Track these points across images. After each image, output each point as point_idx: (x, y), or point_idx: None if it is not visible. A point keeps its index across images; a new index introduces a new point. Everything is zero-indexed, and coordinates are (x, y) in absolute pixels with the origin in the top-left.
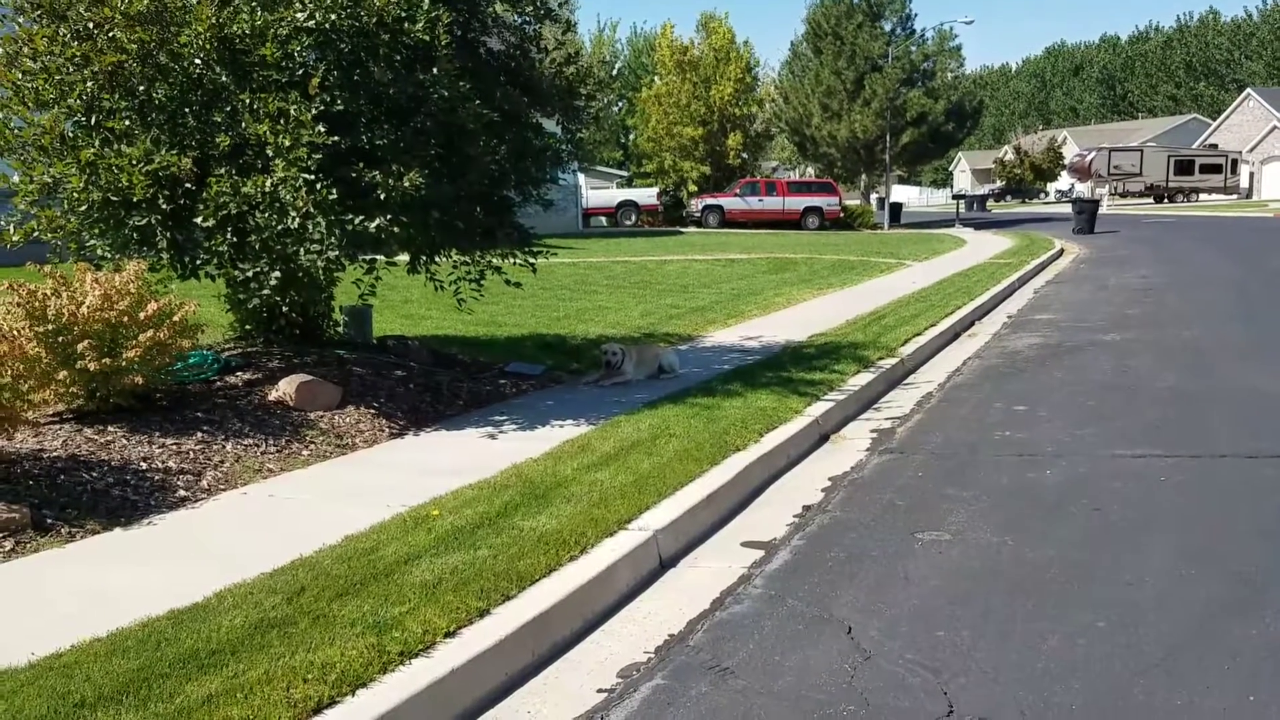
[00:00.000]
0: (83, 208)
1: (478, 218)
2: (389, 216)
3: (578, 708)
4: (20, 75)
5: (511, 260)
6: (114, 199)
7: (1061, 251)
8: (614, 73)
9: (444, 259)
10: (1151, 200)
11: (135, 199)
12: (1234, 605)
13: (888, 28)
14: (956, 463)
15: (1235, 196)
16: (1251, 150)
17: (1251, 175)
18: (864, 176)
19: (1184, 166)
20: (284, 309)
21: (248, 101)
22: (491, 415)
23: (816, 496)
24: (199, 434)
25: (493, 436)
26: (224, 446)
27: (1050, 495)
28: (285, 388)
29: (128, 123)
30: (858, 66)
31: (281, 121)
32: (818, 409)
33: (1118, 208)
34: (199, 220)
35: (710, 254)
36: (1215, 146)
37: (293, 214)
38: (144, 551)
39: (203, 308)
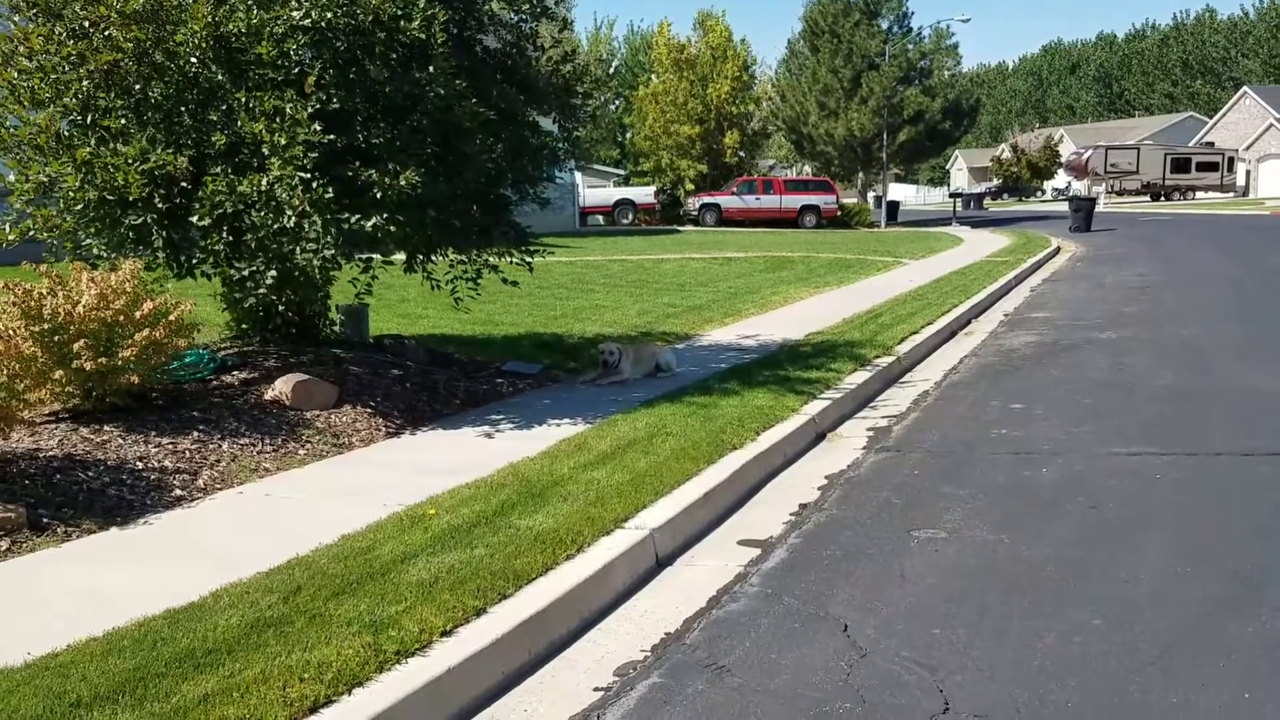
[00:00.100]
0: (78, 207)
1: (474, 216)
2: (385, 215)
3: (574, 706)
4: (16, 74)
5: (508, 259)
6: (110, 198)
7: (1058, 249)
8: (611, 71)
9: (441, 258)
10: (1148, 198)
11: (131, 198)
12: (1230, 603)
13: (885, 26)
14: (953, 461)
15: (1232, 194)
16: (1248, 148)
17: (1248, 173)
18: (861, 175)
19: (1180, 164)
20: (280, 308)
21: (243, 100)
22: (488, 414)
23: (813, 495)
24: (195, 433)
25: (489, 435)
26: (220, 446)
27: (1046, 493)
28: (281, 387)
29: (123, 121)
30: (855, 65)
31: (277, 120)
32: (814, 408)
33: (1114, 206)
34: (195, 219)
35: (707, 252)
36: (1212, 144)
37: (289, 213)
38: (140, 551)
39: (199, 307)
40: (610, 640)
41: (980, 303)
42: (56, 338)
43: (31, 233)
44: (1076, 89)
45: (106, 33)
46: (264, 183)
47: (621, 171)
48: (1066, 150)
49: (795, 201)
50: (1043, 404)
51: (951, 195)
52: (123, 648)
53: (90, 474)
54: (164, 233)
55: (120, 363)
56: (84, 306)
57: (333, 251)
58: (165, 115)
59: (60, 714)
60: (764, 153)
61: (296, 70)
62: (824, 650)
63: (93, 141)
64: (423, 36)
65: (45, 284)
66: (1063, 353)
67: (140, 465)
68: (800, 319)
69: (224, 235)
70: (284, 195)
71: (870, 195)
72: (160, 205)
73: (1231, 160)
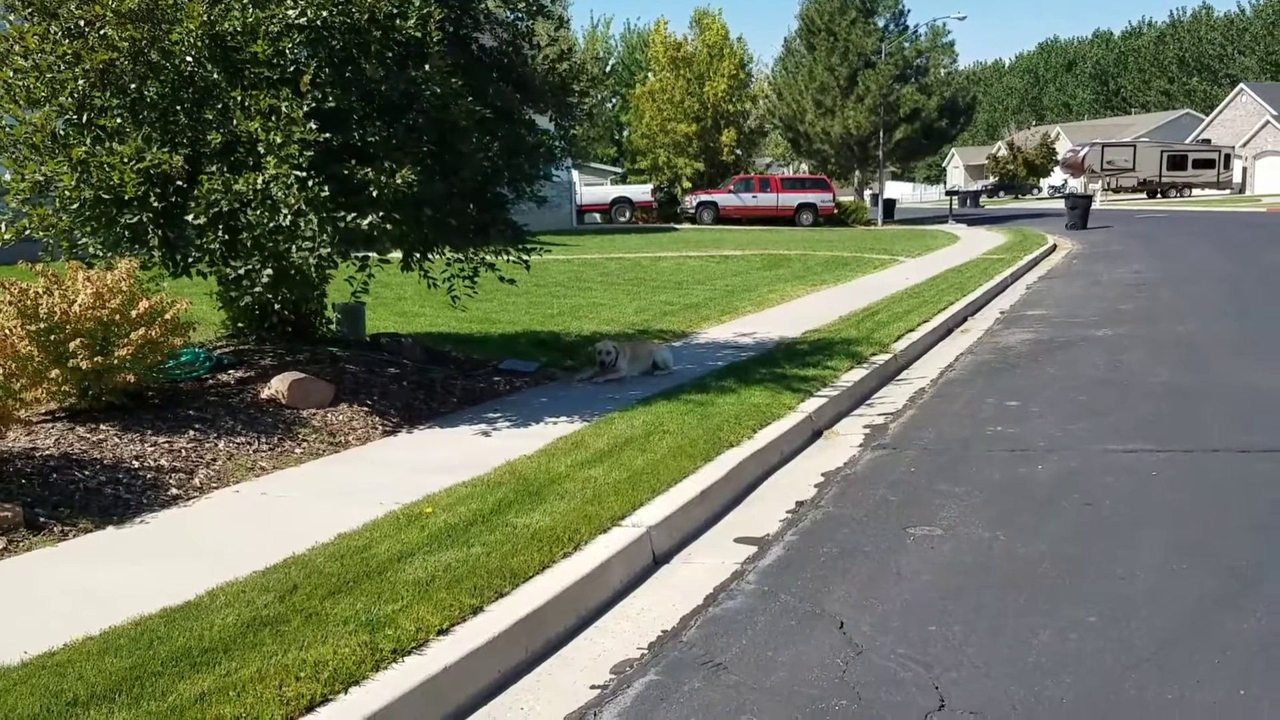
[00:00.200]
0: (74, 206)
1: (471, 215)
2: (381, 214)
3: (571, 704)
4: (11, 73)
5: (505, 257)
6: (105, 197)
7: (1054, 247)
8: (607, 69)
9: (437, 256)
10: (1144, 195)
11: (127, 197)
12: (1226, 600)
13: (881, 24)
14: (949, 458)
15: (1228, 191)
16: (1244, 145)
17: (1244, 170)
18: (858, 173)
19: (1177, 162)
20: (276, 306)
21: (239, 99)
22: (485, 412)
23: (809, 492)
24: (191, 432)
25: (486, 434)
26: (216, 444)
27: (1042, 490)
28: (278, 385)
29: (119, 120)
30: (851, 63)
31: (273, 119)
32: (811, 405)
33: (1111, 203)
34: (190, 218)
35: (704, 250)
36: (1208, 142)
37: (284, 211)
38: (136, 550)
39: (195, 306)
40: (607, 638)
41: (976, 300)
42: (52, 337)
43: (27, 232)
44: (1073, 86)
45: (102, 32)
46: (260, 181)
47: (618, 169)
48: (1063, 148)
49: (792, 199)
50: (1039, 401)
51: (948, 193)
52: (119, 647)
53: (87, 473)
54: (160, 231)
55: (116, 361)
56: (80, 305)
57: (329, 250)
58: (161, 114)
59: (57, 713)
60: (761, 151)
61: (292, 69)
62: (820, 647)
63: (88, 140)
64: (419, 35)
65: (41, 283)
66: (1059, 350)
67: (136, 464)
68: (797, 317)
69: (220, 234)
70: (280, 194)
71: (867, 193)
72: (156, 204)
73: (1228, 157)
